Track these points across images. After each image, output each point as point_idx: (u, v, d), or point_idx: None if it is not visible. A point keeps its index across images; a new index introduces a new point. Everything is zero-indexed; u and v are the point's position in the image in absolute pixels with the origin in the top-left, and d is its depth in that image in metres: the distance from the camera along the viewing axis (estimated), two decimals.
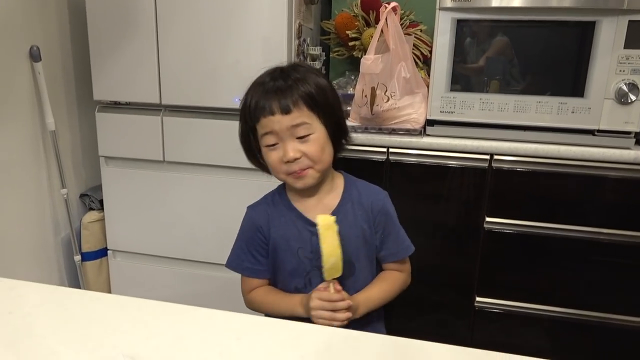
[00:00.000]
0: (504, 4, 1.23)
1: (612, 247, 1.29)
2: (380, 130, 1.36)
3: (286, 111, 0.87)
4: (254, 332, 0.54)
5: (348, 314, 0.87)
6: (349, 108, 1.47)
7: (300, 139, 0.88)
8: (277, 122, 0.87)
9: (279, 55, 1.46)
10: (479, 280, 1.40)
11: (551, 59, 1.26)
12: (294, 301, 0.93)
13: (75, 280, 1.78)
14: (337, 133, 0.94)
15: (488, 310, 1.42)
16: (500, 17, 1.25)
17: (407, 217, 1.42)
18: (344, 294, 0.88)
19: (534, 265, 1.36)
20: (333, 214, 0.92)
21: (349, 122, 1.42)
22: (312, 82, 0.89)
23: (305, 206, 0.96)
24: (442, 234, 1.40)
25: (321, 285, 0.88)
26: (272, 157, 0.90)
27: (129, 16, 1.55)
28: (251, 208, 1.01)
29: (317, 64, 1.70)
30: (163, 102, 1.58)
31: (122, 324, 0.54)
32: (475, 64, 1.30)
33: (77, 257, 1.74)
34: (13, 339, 0.51)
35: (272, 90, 0.88)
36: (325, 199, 0.96)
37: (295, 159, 0.88)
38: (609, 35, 1.19)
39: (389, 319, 1.47)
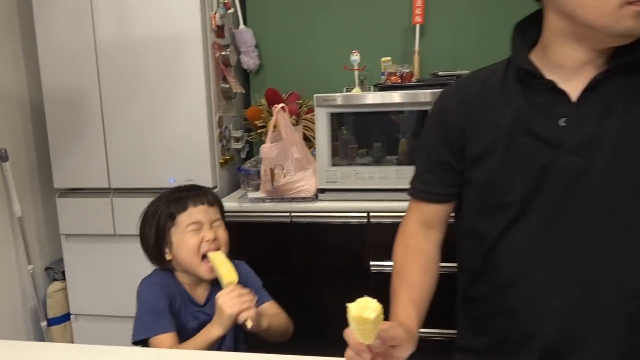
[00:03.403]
0: (362, 102, 1.63)
1: None
2: (284, 200, 1.73)
3: (211, 204, 1.16)
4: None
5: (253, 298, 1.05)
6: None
7: (215, 225, 1.15)
8: (204, 211, 1.13)
9: (203, 143, 1.84)
10: None
11: (400, 139, 1.66)
12: (206, 330, 1.04)
13: None
14: None
15: None
16: (363, 110, 1.65)
17: (310, 266, 1.76)
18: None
19: None
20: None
21: (260, 194, 1.78)
22: (216, 194, 1.21)
23: (197, 293, 1.16)
24: (339, 279, 1.74)
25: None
26: (193, 240, 1.10)
27: (81, 117, 1.91)
28: (150, 279, 1.16)
29: (241, 144, 2.09)
30: (112, 187, 1.93)
31: None
32: (349, 145, 1.69)
33: (44, 323, 2.02)
34: None
35: (192, 196, 1.14)
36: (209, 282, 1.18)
37: (214, 240, 1.13)
38: None
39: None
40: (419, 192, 0.93)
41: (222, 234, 1.17)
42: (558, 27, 0.77)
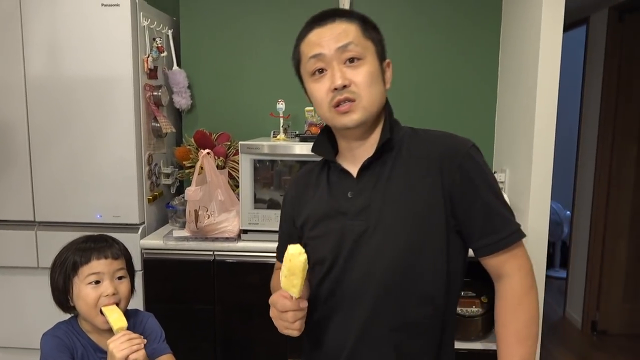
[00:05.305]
0: (281, 152, 1.76)
1: None
2: (207, 239, 1.82)
3: (115, 257, 1.19)
4: None
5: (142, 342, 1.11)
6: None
7: (118, 279, 1.18)
8: (107, 264, 1.16)
9: (131, 180, 1.90)
10: (289, 346, 1.85)
11: None
12: None
13: None
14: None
15: None
16: (281, 158, 1.78)
17: (231, 303, 1.86)
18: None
19: None
20: None
21: (185, 233, 1.86)
22: (123, 246, 1.25)
23: (102, 340, 1.17)
24: (258, 315, 1.83)
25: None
26: (92, 294, 1.14)
27: (7, 148, 1.93)
28: (51, 333, 1.17)
29: (171, 180, 2.16)
30: (37, 219, 1.94)
31: None
32: (270, 189, 1.81)
33: None
34: None
35: (97, 248, 1.16)
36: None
37: (113, 294, 1.16)
38: None
39: None
40: (280, 254, 1.11)
41: (124, 288, 1.21)
42: None
